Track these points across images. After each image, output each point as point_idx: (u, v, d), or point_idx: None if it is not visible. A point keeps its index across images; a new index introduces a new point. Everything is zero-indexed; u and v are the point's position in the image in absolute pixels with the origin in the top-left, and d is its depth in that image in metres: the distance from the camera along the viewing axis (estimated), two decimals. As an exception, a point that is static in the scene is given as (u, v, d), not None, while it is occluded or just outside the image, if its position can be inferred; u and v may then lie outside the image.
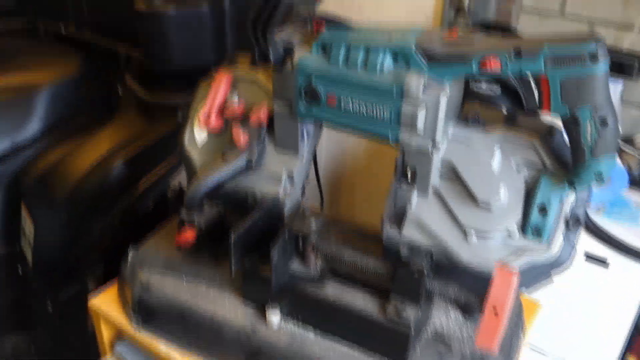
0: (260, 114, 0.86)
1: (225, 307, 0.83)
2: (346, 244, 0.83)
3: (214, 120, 0.90)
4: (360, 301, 0.76)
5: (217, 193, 0.89)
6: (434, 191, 0.78)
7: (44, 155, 1.58)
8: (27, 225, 1.56)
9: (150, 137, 1.56)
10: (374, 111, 0.75)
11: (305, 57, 0.78)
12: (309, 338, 0.78)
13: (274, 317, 0.79)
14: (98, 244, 1.45)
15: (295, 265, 0.82)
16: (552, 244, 0.73)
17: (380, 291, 0.76)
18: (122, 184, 1.45)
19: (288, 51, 0.79)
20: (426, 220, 0.77)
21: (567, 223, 0.73)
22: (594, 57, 0.64)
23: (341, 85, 0.76)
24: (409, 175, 0.78)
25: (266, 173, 0.88)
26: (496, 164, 0.75)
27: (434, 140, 0.74)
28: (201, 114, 0.90)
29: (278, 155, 0.88)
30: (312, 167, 0.95)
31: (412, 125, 0.74)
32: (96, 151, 1.54)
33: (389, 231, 0.79)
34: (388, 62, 0.74)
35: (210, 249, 0.89)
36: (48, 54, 1.84)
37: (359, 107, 0.76)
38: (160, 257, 0.91)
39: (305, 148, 0.88)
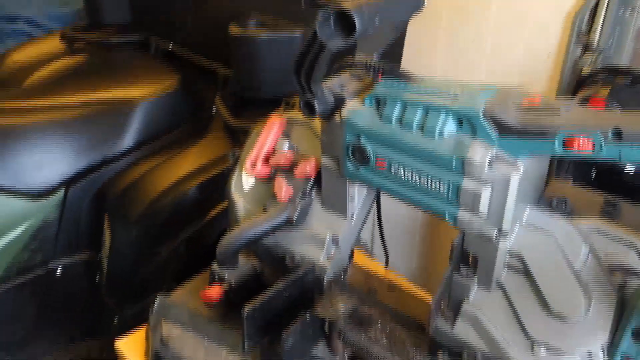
0: (307, 167, 0.76)
1: (241, 380, 0.74)
2: (381, 334, 0.70)
3: (259, 167, 0.81)
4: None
5: (254, 246, 0.80)
6: (498, 285, 0.63)
7: (131, 170, 1.60)
8: (107, 237, 1.58)
9: (228, 164, 1.52)
10: (429, 183, 0.62)
11: (356, 111, 0.67)
12: None
13: (288, 406, 0.68)
14: (163, 267, 1.43)
15: (321, 350, 0.70)
16: None
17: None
18: (194, 209, 1.42)
19: (338, 102, 0.68)
20: (485, 319, 0.62)
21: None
22: None
23: (393, 147, 0.65)
24: (470, 261, 0.64)
25: (308, 233, 0.78)
26: (581, 265, 0.59)
27: (500, 228, 0.60)
28: (248, 159, 0.82)
29: (324, 215, 0.77)
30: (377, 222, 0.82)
31: (474, 206, 0.59)
32: (176, 172, 1.53)
33: (439, 323, 0.65)
34: (450, 127, 0.61)
35: (240, 309, 0.80)
36: (152, 69, 1.89)
37: (412, 176, 0.64)
38: (187, 310, 0.83)
39: (355, 210, 0.76)
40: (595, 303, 0.58)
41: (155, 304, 0.87)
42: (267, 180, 0.83)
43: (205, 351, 0.78)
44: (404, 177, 0.65)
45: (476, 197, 0.59)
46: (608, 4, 1.50)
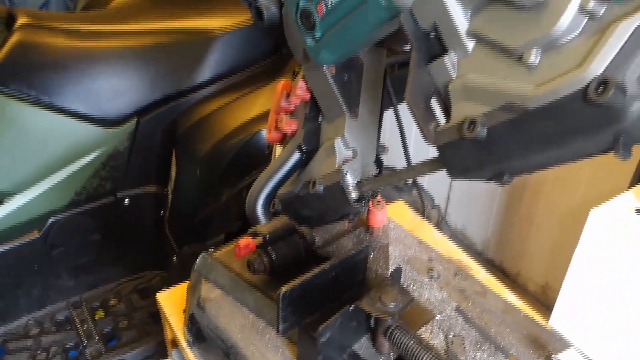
0: (298, 90, 0.73)
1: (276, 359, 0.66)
2: (438, 332, 0.59)
3: (273, 133, 0.77)
4: None
5: (290, 206, 0.72)
6: (469, 35, 0.50)
7: (203, 105, 1.54)
8: (173, 172, 1.55)
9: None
10: None
11: None
12: None
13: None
14: (224, 211, 1.38)
15: (364, 344, 0.61)
16: None
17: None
18: (258, 154, 1.34)
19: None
20: (476, 78, 0.50)
21: None
22: None
23: None
24: (431, 38, 0.53)
25: (321, 151, 0.71)
26: None
27: None
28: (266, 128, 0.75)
29: (330, 128, 0.71)
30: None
31: None
32: (247, 112, 1.45)
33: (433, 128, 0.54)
34: None
35: (282, 281, 0.72)
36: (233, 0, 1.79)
37: None
38: (228, 273, 0.75)
39: (354, 103, 0.70)
40: None
41: (198, 260, 0.80)
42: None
43: (241, 322, 0.70)
44: (338, 1, 0.60)
45: None
46: None
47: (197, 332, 0.75)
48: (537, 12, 0.44)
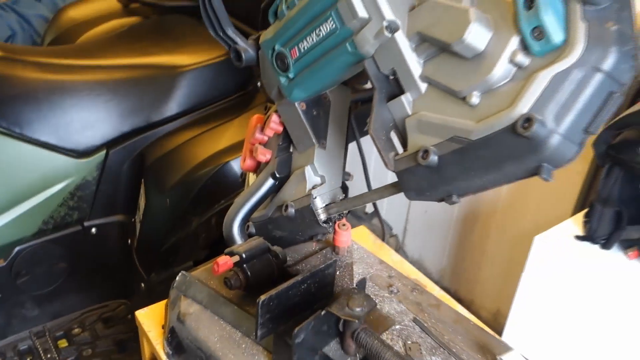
0: (272, 123, 0.82)
1: (252, 367, 0.72)
2: (398, 339, 0.67)
3: (248, 161, 0.87)
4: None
5: (263, 227, 0.80)
6: (422, 79, 0.60)
7: (171, 137, 1.61)
8: (142, 202, 1.60)
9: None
10: (323, 28, 0.67)
11: (266, 32, 0.77)
12: None
13: (296, 400, 0.67)
14: (192, 238, 1.44)
15: (333, 347, 0.68)
16: (571, 37, 0.49)
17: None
18: (227, 185, 1.41)
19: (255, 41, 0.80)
20: (430, 115, 0.59)
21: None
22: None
23: (291, 30, 0.72)
24: (391, 79, 0.63)
25: (293, 179, 0.80)
26: None
27: (388, 22, 0.60)
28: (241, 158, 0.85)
29: (300, 157, 0.80)
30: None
31: (353, 13, 0.62)
32: (214, 144, 1.52)
33: (392, 156, 0.64)
34: None
35: (256, 297, 0.79)
36: (203, 36, 1.87)
37: (312, 36, 0.69)
38: (206, 290, 0.82)
39: (322, 135, 0.79)
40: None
41: (177, 279, 0.86)
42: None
43: (219, 333, 0.77)
44: (309, 44, 0.69)
45: (350, 4, 0.61)
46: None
47: (177, 344, 0.80)
48: (477, 62, 0.54)
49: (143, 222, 1.54)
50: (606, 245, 1.23)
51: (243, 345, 0.75)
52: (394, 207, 2.10)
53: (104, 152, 1.61)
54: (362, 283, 0.74)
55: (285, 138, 0.83)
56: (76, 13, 2.20)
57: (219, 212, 1.40)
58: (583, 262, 1.21)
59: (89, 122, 1.59)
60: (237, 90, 1.76)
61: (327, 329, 0.66)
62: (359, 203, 0.74)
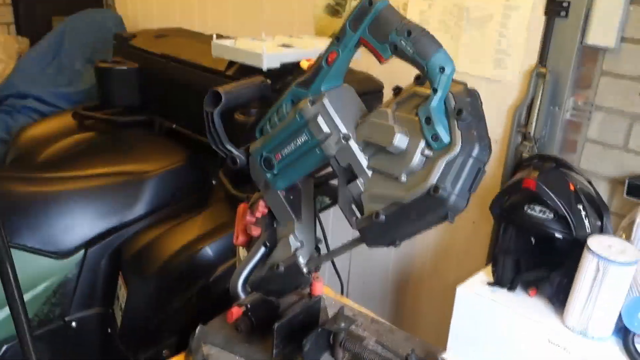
0: (260, 207, 1.12)
1: (267, 385, 0.99)
2: (370, 342, 0.97)
3: (240, 238, 1.15)
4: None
5: (259, 285, 1.09)
6: (370, 169, 0.94)
7: (144, 233, 1.86)
8: (122, 292, 1.81)
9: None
10: (299, 141, 0.99)
11: (254, 144, 1.06)
12: (331, 420, 0.92)
13: (304, 398, 0.94)
14: (176, 316, 1.67)
15: (327, 357, 0.97)
16: (453, 139, 0.84)
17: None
18: (204, 267, 1.68)
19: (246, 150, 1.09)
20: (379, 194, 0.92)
21: (457, 114, 0.83)
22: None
23: (275, 142, 1.01)
24: (350, 174, 0.96)
25: (280, 245, 1.09)
26: None
27: (342, 134, 0.94)
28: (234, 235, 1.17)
29: (284, 229, 1.10)
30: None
31: (320, 130, 0.95)
32: (186, 235, 1.79)
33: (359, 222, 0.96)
34: (288, 105, 1.01)
35: (262, 335, 1.07)
36: (159, 146, 2.18)
37: (291, 145, 1.01)
38: (221, 335, 1.09)
39: (299, 213, 1.09)
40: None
41: (196, 331, 1.13)
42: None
43: (237, 365, 1.04)
44: (289, 150, 1.00)
45: (317, 125, 0.94)
46: (541, 101, 1.88)
47: (204, 380, 1.06)
48: (402, 156, 0.89)
49: (126, 309, 1.75)
50: (511, 287, 1.58)
51: (256, 372, 1.02)
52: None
53: (82, 251, 1.83)
54: (341, 310, 1.04)
55: (270, 217, 1.14)
56: (35, 132, 2.44)
57: (198, 291, 1.66)
58: (496, 302, 1.54)
59: (69, 226, 1.82)
60: (196, 189, 2.05)
61: (321, 343, 0.96)
62: (331, 256, 1.06)
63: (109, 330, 1.86)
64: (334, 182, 1.21)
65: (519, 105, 1.92)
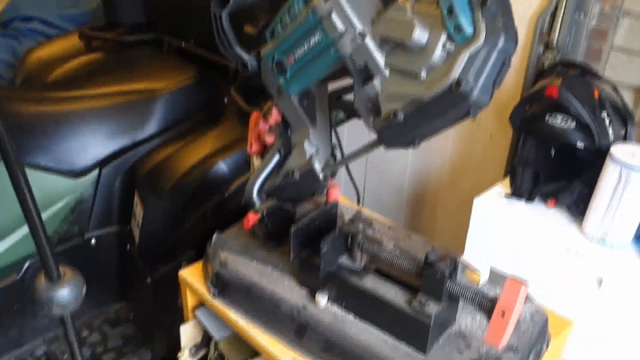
0: (273, 114, 1.09)
1: (284, 287, 1.00)
2: (388, 246, 0.96)
3: (254, 146, 1.13)
4: (392, 293, 0.90)
5: (276, 191, 1.07)
6: (387, 67, 0.89)
7: (157, 151, 1.85)
8: (138, 210, 1.82)
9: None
10: (312, 41, 0.94)
11: (266, 47, 1.02)
12: (349, 319, 0.93)
13: (322, 299, 0.94)
14: (192, 231, 1.68)
15: (345, 259, 0.97)
16: (477, 30, 0.79)
17: (411, 287, 0.90)
18: (218, 182, 1.67)
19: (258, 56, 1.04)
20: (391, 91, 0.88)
21: (481, 3, 0.79)
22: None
23: (287, 42, 0.97)
24: (366, 75, 0.91)
25: (295, 152, 1.07)
26: None
27: (359, 31, 0.89)
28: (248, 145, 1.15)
29: (298, 136, 1.07)
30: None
31: (335, 27, 0.90)
32: (200, 151, 1.78)
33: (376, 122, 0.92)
34: (300, 4, 0.95)
35: (279, 241, 1.07)
36: (169, 65, 2.13)
37: (304, 47, 0.96)
38: (238, 243, 1.09)
39: (314, 118, 1.06)
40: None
41: (213, 239, 1.13)
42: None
43: (255, 269, 1.04)
44: (302, 52, 0.96)
45: (331, 22, 0.89)
46: (565, 8, 1.79)
47: (222, 285, 1.06)
48: (422, 52, 0.85)
49: (143, 226, 1.77)
50: (529, 199, 1.57)
51: (274, 275, 1.03)
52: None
53: (97, 170, 1.83)
54: (358, 213, 1.03)
55: (284, 124, 1.11)
56: (43, 53, 2.39)
57: (213, 206, 1.66)
58: (514, 213, 1.53)
59: (82, 145, 1.82)
60: (207, 107, 2.02)
61: (338, 245, 0.95)
62: (348, 161, 1.03)
63: (128, 247, 1.89)
64: (350, 96, 1.17)
65: (541, 13, 1.82)
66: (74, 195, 1.82)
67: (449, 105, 0.83)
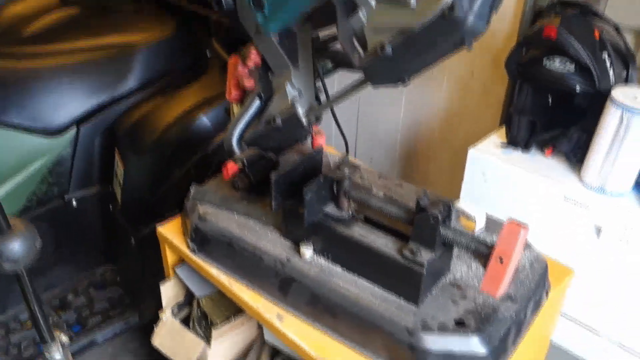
0: (252, 55, 1.00)
1: (267, 240, 0.93)
2: (377, 193, 0.90)
3: (233, 93, 1.05)
4: (382, 242, 0.83)
5: (257, 139, 1.00)
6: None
7: (137, 107, 1.76)
8: (119, 169, 1.75)
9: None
10: None
11: None
12: (336, 271, 0.87)
13: (307, 251, 0.88)
14: (176, 189, 1.61)
15: (331, 209, 0.90)
16: None
17: (402, 235, 0.83)
18: (201, 137, 1.59)
19: None
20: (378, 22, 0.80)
21: None
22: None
23: None
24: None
25: (276, 97, 0.99)
26: None
27: None
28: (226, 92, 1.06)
29: (279, 79, 0.99)
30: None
31: None
32: (181, 106, 1.69)
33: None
34: None
35: (260, 192, 1.00)
36: (148, 17, 2.03)
37: None
38: (218, 195, 1.02)
39: (295, 59, 0.98)
40: None
41: (191, 191, 1.05)
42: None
43: (236, 222, 0.97)
44: None
45: None
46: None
47: (201, 239, 1.00)
48: None
49: (125, 185, 1.70)
50: (525, 148, 1.50)
51: (256, 228, 0.96)
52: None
53: (74, 129, 1.75)
54: (345, 158, 0.96)
55: (264, 67, 1.03)
56: (17, 9, 2.27)
57: (196, 161, 1.59)
58: (510, 162, 1.46)
59: (57, 103, 1.73)
60: (188, 60, 1.93)
61: (324, 193, 0.88)
62: (332, 104, 0.96)
63: (110, 208, 1.82)
64: (337, 45, 1.09)
65: (540, -49, 1.72)
66: (51, 156, 1.74)
67: (442, 34, 0.75)
